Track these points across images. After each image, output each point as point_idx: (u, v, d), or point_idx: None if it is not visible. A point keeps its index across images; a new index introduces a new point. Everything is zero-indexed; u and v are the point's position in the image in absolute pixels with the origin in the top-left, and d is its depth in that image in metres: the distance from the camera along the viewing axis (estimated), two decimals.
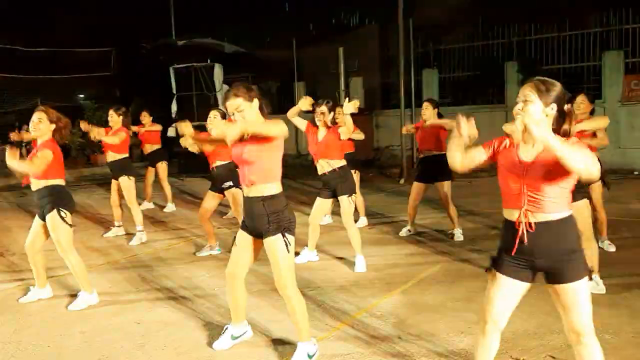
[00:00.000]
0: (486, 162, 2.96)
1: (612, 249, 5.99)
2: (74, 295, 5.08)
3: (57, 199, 4.80)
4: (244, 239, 3.76)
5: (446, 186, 6.74)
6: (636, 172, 11.88)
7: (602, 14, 13.19)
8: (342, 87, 11.72)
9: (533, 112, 2.72)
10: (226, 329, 4.01)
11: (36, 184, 4.81)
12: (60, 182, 4.89)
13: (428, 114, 6.72)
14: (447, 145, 2.98)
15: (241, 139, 3.62)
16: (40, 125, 4.80)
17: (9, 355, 3.95)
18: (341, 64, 11.66)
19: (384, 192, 10.79)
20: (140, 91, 17.85)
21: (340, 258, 6.19)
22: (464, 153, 2.93)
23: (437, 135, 6.67)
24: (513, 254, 2.78)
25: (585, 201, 4.57)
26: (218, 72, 13.19)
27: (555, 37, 13.50)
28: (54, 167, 4.85)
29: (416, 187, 6.95)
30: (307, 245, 6.07)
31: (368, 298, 4.89)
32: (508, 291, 2.85)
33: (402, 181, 11.97)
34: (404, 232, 7.16)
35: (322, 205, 5.93)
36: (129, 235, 7.58)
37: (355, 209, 6.51)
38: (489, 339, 2.98)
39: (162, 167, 9.62)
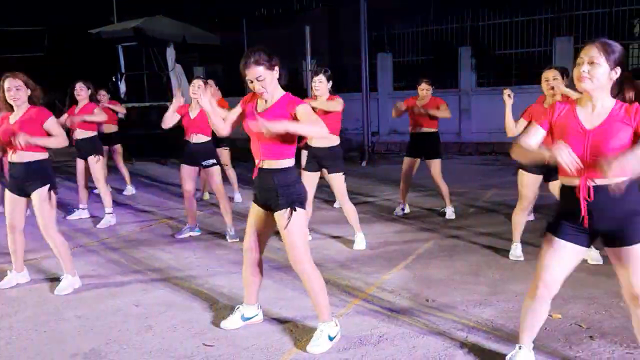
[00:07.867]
0: (547, 139, 2.83)
1: None
2: (54, 279, 4.70)
3: (47, 175, 4.38)
4: (254, 211, 3.57)
5: (437, 164, 6.70)
6: None
7: (554, 0, 13.56)
8: (309, 67, 11.45)
9: (600, 75, 2.65)
10: (237, 308, 3.79)
11: (21, 157, 4.34)
12: (47, 155, 4.46)
13: (423, 94, 6.69)
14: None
15: (254, 114, 3.41)
16: (20, 93, 4.33)
17: (4, 342, 3.56)
18: (307, 43, 11.39)
19: (349, 175, 10.65)
20: (79, 72, 16.87)
21: (334, 237, 6.05)
22: (531, 149, 2.78)
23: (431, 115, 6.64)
24: (579, 221, 2.71)
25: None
26: (171, 50, 12.59)
27: (507, 23, 13.77)
28: None
29: (405, 162, 6.89)
30: None
31: (373, 274, 4.77)
32: (565, 256, 2.80)
33: (364, 164, 11.92)
34: (397, 210, 7.09)
35: (310, 179, 5.69)
36: (93, 217, 7.14)
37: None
38: (540, 305, 2.93)
39: (119, 149, 9.15)
